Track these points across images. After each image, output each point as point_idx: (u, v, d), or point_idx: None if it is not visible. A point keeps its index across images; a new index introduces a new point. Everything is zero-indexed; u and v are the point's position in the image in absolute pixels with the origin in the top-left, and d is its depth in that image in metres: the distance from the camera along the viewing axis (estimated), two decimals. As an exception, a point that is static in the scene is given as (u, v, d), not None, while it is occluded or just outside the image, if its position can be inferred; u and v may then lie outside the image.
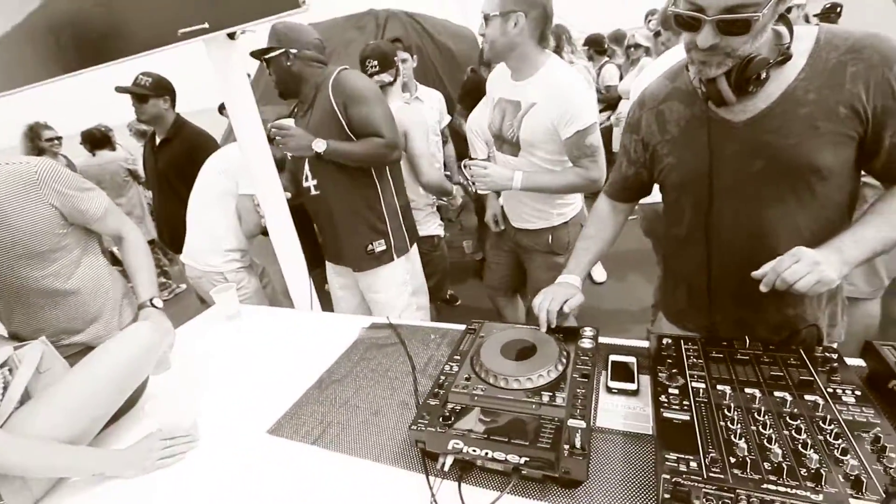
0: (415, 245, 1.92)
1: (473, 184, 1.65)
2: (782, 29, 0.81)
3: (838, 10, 3.88)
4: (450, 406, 0.86)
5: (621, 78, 3.99)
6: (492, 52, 1.51)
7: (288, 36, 1.56)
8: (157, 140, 2.39)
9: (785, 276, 0.74)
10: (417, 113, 2.11)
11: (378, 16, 3.31)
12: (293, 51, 1.56)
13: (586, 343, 0.98)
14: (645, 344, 1.06)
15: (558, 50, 3.17)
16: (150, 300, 1.37)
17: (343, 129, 1.59)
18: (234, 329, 1.51)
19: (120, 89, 2.18)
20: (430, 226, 2.24)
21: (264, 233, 1.97)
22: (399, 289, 1.83)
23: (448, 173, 2.85)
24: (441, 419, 0.82)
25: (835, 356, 0.81)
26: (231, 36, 1.32)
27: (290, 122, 1.68)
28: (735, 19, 0.71)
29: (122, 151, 4.29)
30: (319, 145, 1.53)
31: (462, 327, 1.21)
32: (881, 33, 0.78)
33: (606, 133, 3.49)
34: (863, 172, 0.87)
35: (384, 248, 1.77)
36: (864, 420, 0.68)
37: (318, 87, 1.61)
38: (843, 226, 0.89)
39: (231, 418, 1.08)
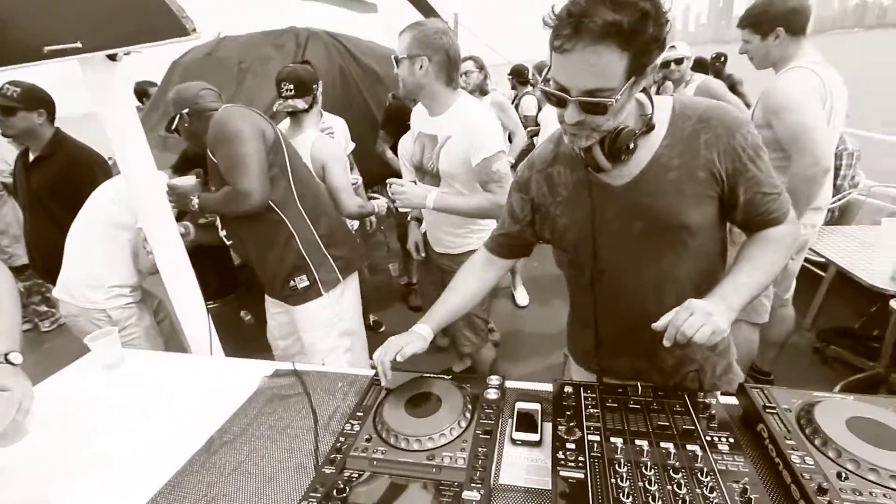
0: (353, 281, 1.84)
1: (394, 202, 1.68)
2: (644, 99, 0.88)
3: (723, 59, 4.40)
4: (346, 474, 0.81)
5: (539, 107, 4.21)
6: (405, 90, 1.63)
7: (176, 100, 1.59)
8: (31, 156, 2.10)
9: (684, 330, 0.77)
10: (336, 145, 2.06)
11: (299, 34, 3.19)
12: (185, 111, 1.56)
13: (491, 394, 0.97)
14: (551, 388, 1.07)
15: (485, 80, 3.27)
16: (6, 355, 1.16)
17: (222, 175, 1.54)
18: (113, 381, 1.32)
19: None
20: None
21: None
22: (324, 330, 1.75)
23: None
24: (335, 492, 0.76)
25: (713, 401, 0.87)
26: (112, 57, 1.19)
27: (184, 179, 1.70)
28: (594, 102, 0.76)
29: (-3, 163, 3.72)
30: (193, 203, 1.55)
31: (371, 373, 1.16)
32: (722, 104, 0.88)
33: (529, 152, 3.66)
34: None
35: (307, 283, 1.69)
36: (736, 469, 0.73)
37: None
38: (718, 271, 0.99)
39: (100, 495, 0.93)
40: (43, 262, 2.17)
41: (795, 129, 1.57)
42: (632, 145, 0.84)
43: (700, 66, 4.13)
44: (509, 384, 1.08)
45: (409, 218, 2.18)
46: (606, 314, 1.02)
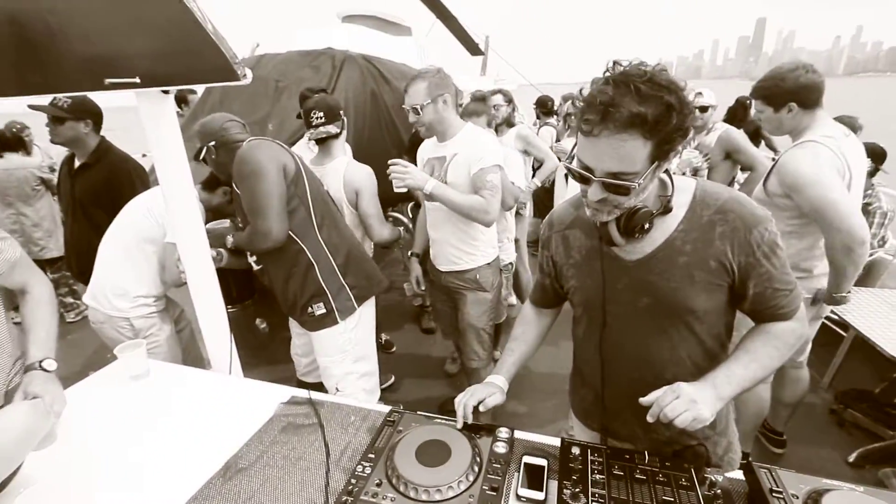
0: (368, 307, 1.87)
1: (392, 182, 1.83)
2: (666, 180, 0.91)
3: (748, 102, 4.38)
4: (356, 519, 0.83)
5: (557, 139, 4.27)
6: (429, 132, 1.84)
7: (203, 133, 1.66)
8: (76, 163, 2.21)
9: (666, 412, 0.81)
10: (368, 171, 2.13)
11: (335, 57, 3.30)
12: (212, 144, 1.63)
13: (500, 447, 0.99)
14: (558, 442, 1.09)
15: (513, 112, 3.33)
16: (41, 362, 1.23)
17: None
18: (137, 393, 1.38)
19: (33, 107, 2.00)
20: None
21: None
22: (339, 356, 1.79)
23: None
24: (344, 537, 0.79)
25: (719, 478, 0.88)
26: (165, 90, 1.27)
27: (218, 223, 1.85)
28: (617, 184, 0.80)
29: (38, 157, 3.88)
30: (229, 241, 1.65)
31: (384, 409, 1.19)
32: (743, 198, 0.89)
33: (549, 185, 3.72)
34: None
35: (324, 311, 1.74)
36: (738, 555, 0.73)
37: None
38: (720, 354, 1.00)
39: (115, 513, 0.98)
40: (78, 264, 2.27)
41: (819, 203, 1.55)
42: (647, 225, 0.86)
43: (741, 106, 4.17)
44: (518, 435, 1.10)
45: (409, 254, 2.32)
46: (608, 377, 1.05)
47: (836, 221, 1.53)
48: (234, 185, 1.65)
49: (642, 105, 0.73)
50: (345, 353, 1.80)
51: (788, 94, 1.65)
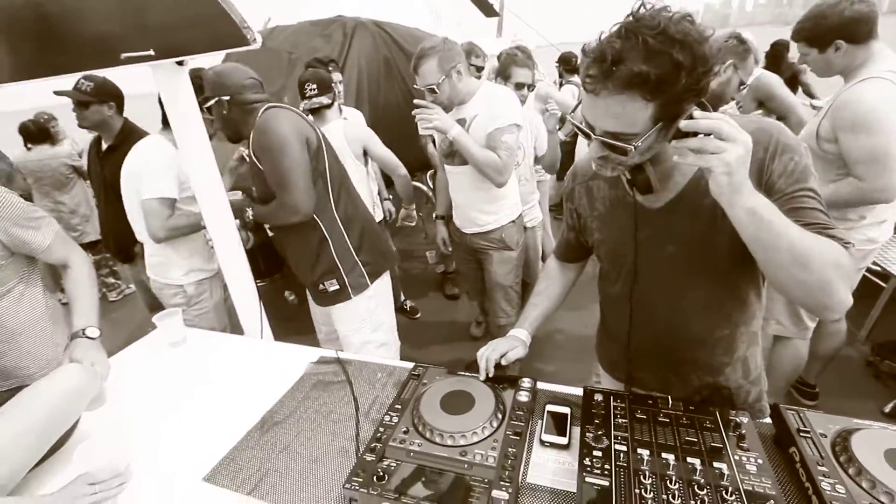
0: (383, 281, 1.84)
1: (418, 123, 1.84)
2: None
3: (787, 46, 4.11)
4: (385, 463, 0.88)
5: (580, 100, 4.12)
6: (450, 103, 1.84)
7: (217, 83, 1.53)
8: (104, 146, 2.28)
9: (704, 145, 0.68)
10: (366, 126, 2.42)
11: (346, 24, 3.24)
12: (225, 98, 1.53)
13: (523, 396, 1.01)
14: (581, 392, 1.10)
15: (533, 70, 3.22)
16: (83, 330, 1.31)
17: (265, 178, 1.57)
18: (176, 358, 1.46)
19: (59, 93, 2.05)
20: None
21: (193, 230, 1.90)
22: (357, 324, 1.80)
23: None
24: (375, 478, 0.83)
25: (745, 420, 0.87)
26: (180, 62, 1.28)
27: (232, 195, 1.77)
28: (614, 144, 0.77)
29: (67, 145, 3.99)
30: (248, 215, 1.63)
31: (409, 366, 1.23)
32: (773, 125, 0.80)
33: (569, 144, 3.62)
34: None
35: (337, 287, 1.72)
36: (762, 491, 0.73)
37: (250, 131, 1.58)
38: (753, 300, 0.94)
39: (166, 462, 1.05)
40: (115, 243, 2.38)
41: (876, 152, 1.42)
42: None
43: (777, 52, 3.94)
44: (540, 385, 1.12)
45: (434, 217, 2.36)
46: (635, 328, 1.03)
47: (886, 173, 1.42)
48: (251, 154, 1.59)
49: (646, 63, 0.68)
50: (363, 322, 1.78)
51: (833, 31, 1.51)
